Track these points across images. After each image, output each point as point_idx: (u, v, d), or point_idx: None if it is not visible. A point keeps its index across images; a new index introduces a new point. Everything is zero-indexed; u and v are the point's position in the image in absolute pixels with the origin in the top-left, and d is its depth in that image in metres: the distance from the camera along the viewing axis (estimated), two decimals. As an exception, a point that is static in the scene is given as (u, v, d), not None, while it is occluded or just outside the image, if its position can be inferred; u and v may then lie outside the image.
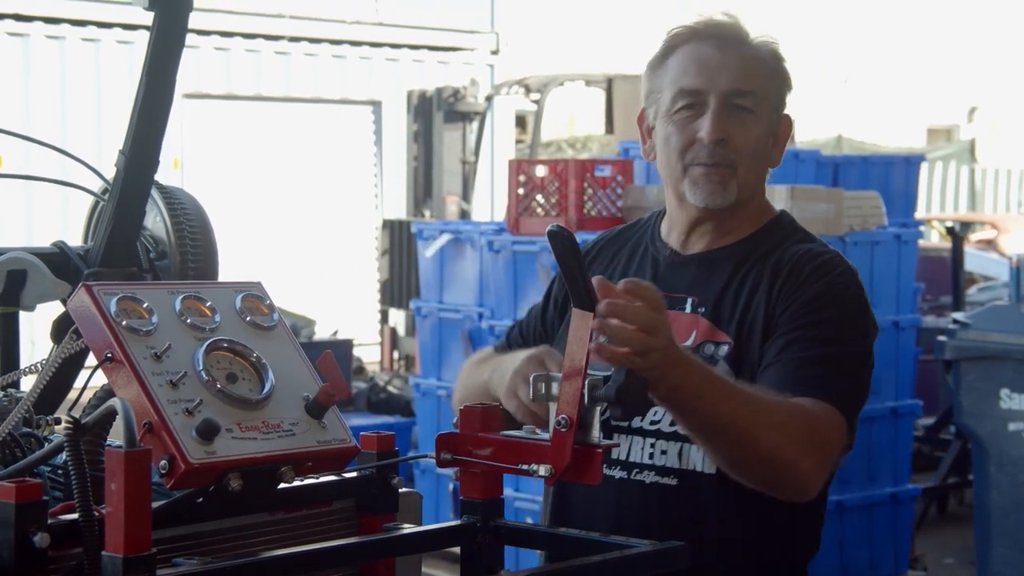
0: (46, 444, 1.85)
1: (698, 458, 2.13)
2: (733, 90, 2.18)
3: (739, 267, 2.21)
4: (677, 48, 2.23)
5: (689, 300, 2.21)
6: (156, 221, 2.85)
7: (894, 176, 6.35)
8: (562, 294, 2.36)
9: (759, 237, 2.25)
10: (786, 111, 2.26)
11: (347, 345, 8.33)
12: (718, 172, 2.19)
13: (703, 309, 2.19)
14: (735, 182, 2.19)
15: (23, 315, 2.69)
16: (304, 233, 13.05)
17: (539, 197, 5.79)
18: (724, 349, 2.15)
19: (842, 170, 6.14)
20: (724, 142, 2.17)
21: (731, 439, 1.95)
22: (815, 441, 2.00)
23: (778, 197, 5.24)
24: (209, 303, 1.73)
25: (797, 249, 2.21)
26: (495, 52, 14.51)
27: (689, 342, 2.16)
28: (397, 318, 10.23)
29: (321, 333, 9.32)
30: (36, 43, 11.57)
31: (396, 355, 10.22)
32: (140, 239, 2.68)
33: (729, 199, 2.20)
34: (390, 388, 8.06)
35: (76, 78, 11.70)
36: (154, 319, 1.66)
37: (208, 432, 1.57)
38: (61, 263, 2.63)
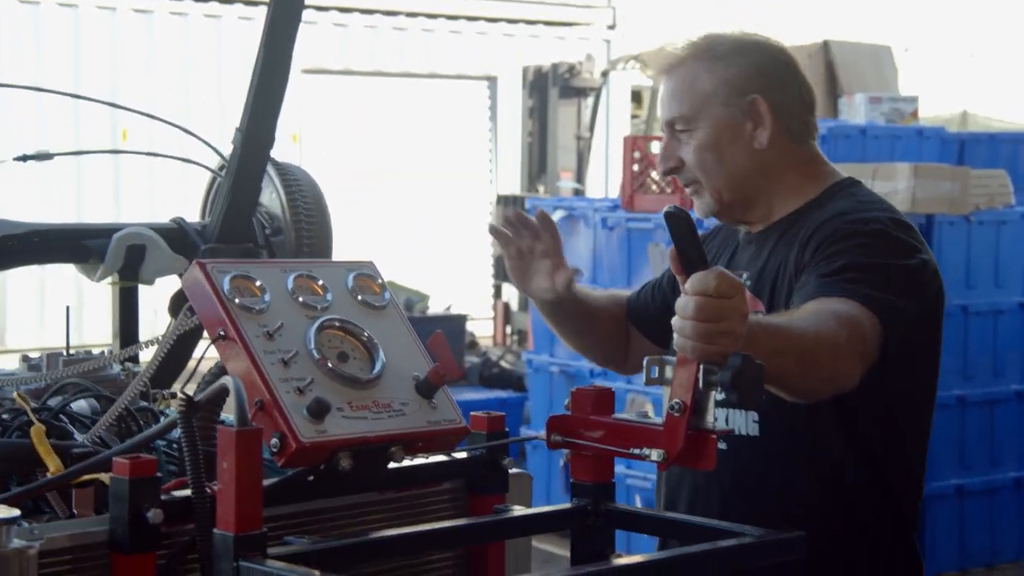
0: (162, 419, 1.87)
1: (742, 421, 2.15)
2: (668, 120, 2.29)
3: (782, 236, 2.24)
4: None
5: (743, 275, 2.25)
6: (272, 198, 2.87)
7: (1023, 154, 6.17)
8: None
9: (810, 207, 2.25)
10: (754, 94, 2.24)
11: (460, 320, 8.36)
12: (691, 189, 2.31)
13: (749, 283, 2.23)
14: (707, 193, 2.27)
15: (144, 288, 2.74)
16: (419, 208, 13.11)
17: (654, 174, 5.73)
18: (759, 315, 2.12)
19: (968, 148, 5.99)
20: (678, 168, 2.29)
21: (793, 386, 1.93)
22: (858, 346, 1.96)
23: (900, 175, 5.12)
24: (321, 282, 1.73)
25: (836, 207, 2.20)
26: (612, 27, 14.41)
27: None
28: (510, 293, 10.23)
29: (435, 308, 9.36)
30: (159, 19, 11.77)
31: (509, 330, 10.23)
32: (256, 215, 2.70)
33: (711, 207, 2.29)
34: (503, 363, 8.08)
35: (198, 54, 11.87)
36: (267, 297, 1.66)
37: (319, 411, 1.57)
38: (179, 238, 2.66)
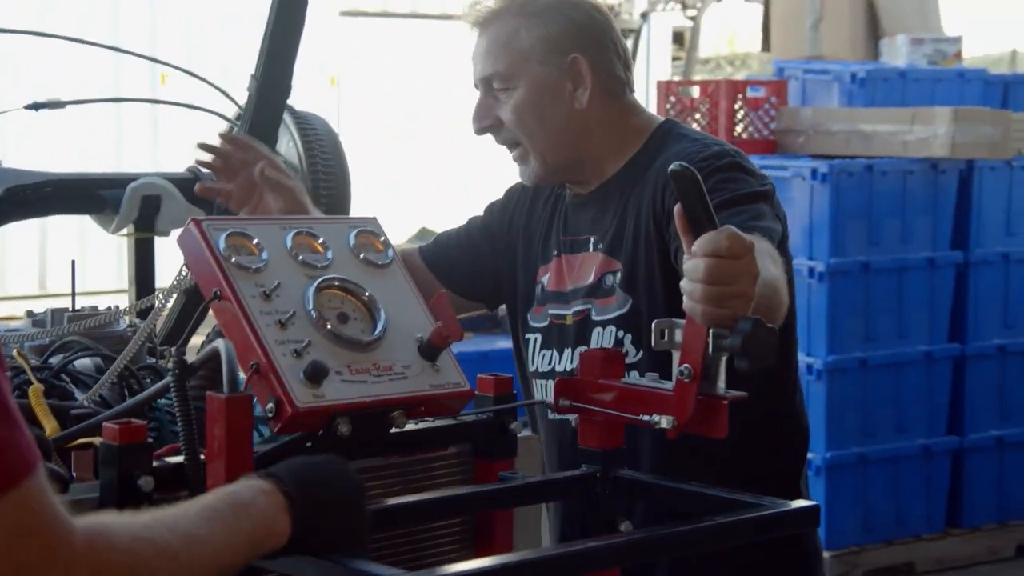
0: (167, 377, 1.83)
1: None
2: (484, 77, 2.24)
3: (625, 192, 2.21)
4: None
5: (591, 239, 2.24)
6: (289, 147, 2.82)
7: (1070, 95, 6.00)
8: (504, 223, 2.40)
9: (641, 157, 2.23)
10: (575, 54, 2.20)
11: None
12: (514, 153, 2.26)
13: (601, 245, 2.22)
14: (532, 155, 2.23)
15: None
16: (457, 152, 13.05)
17: (690, 119, 5.63)
18: (618, 276, 2.17)
19: (1012, 90, 5.83)
20: (496, 127, 2.25)
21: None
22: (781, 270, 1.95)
23: (940, 119, 5.00)
24: (322, 239, 1.67)
25: (677, 150, 2.17)
26: (652, -33, 14.22)
27: (590, 279, 2.21)
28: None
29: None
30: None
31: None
32: (272, 165, 2.64)
33: (538, 173, 2.24)
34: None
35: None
36: (264, 256, 1.61)
37: (316, 375, 1.52)
38: (194, 188, 2.61)
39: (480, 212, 2.51)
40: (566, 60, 2.20)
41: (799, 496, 2.20)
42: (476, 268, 2.42)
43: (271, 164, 2.31)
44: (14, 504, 1.09)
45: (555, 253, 2.29)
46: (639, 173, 2.21)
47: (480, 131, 2.27)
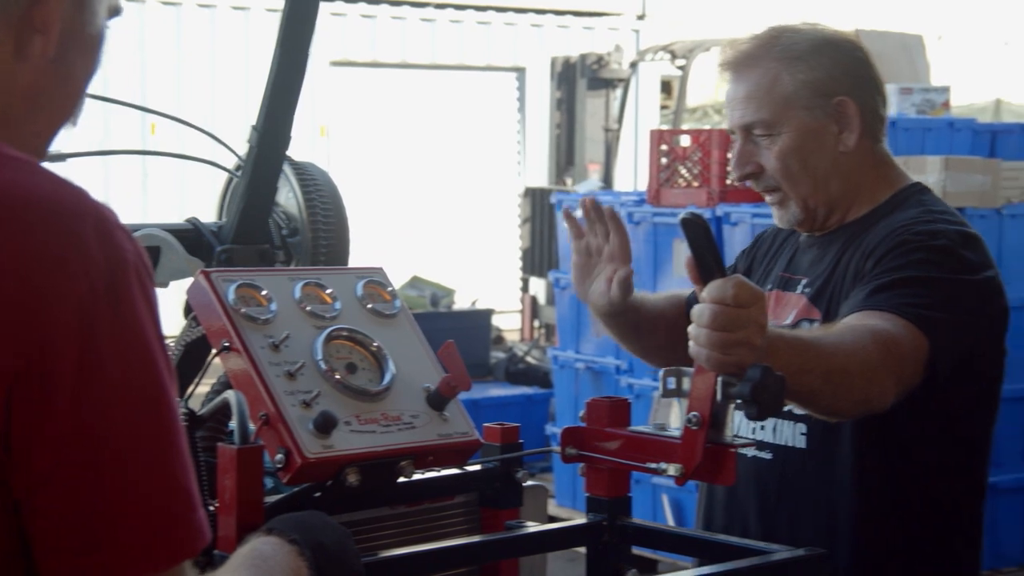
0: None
1: (790, 433, 2.09)
2: (744, 125, 2.17)
3: (848, 243, 2.15)
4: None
5: (803, 281, 2.18)
6: (288, 198, 2.83)
7: (1057, 145, 6.06)
8: (747, 263, 2.36)
9: (878, 212, 2.18)
10: (841, 96, 2.13)
11: (487, 315, 8.31)
12: (771, 197, 2.19)
13: (808, 289, 2.16)
14: (792, 201, 2.17)
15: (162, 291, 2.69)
16: (446, 200, 13.08)
17: (682, 168, 5.67)
18: (814, 326, 2.10)
19: (1000, 139, 5.89)
20: (757, 174, 2.18)
21: (821, 406, 1.87)
22: (893, 366, 1.89)
23: (931, 168, 5.04)
24: (330, 290, 1.68)
25: (905, 216, 2.12)
26: (641, 17, 14.32)
27: (788, 321, 2.14)
28: (538, 287, 10.17)
29: (461, 302, 9.32)
30: (187, 12, 11.76)
31: (536, 323, 10.18)
32: (272, 216, 2.66)
33: (796, 217, 2.18)
34: (528, 359, 8.02)
35: (224, 46, 11.85)
36: (273, 307, 1.62)
37: (326, 425, 1.53)
38: (194, 239, 2.61)
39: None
40: (831, 103, 2.13)
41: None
42: None
43: (630, 272, 2.24)
44: None
45: (770, 288, 2.22)
46: (868, 228, 2.15)
47: (741, 178, 2.20)
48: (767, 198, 2.20)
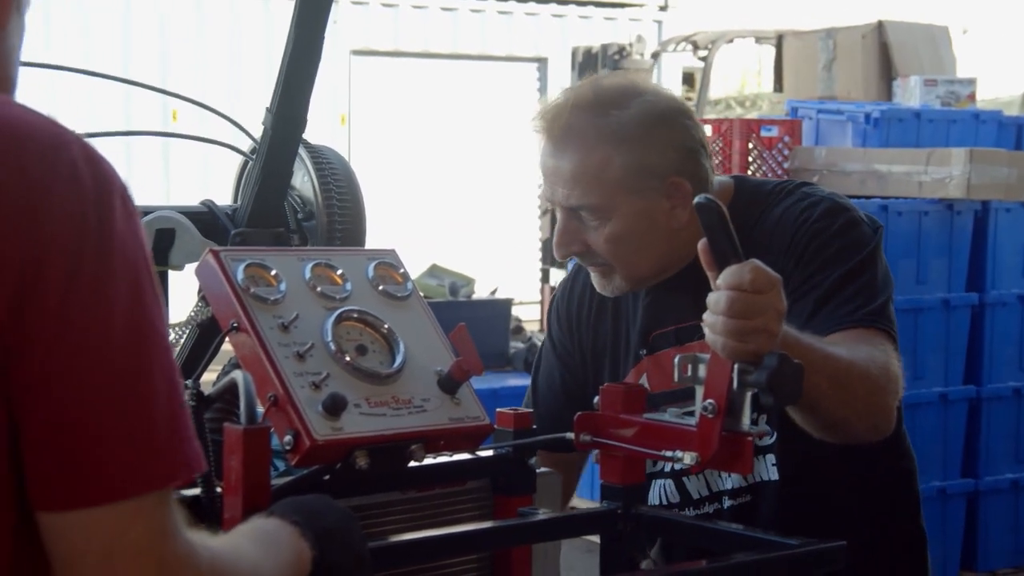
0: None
1: (762, 468, 2.04)
2: (569, 206, 2.04)
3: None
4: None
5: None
6: (304, 181, 2.81)
7: (1083, 138, 5.99)
8: (574, 339, 2.23)
9: (736, 222, 2.08)
10: (673, 175, 2.03)
11: (506, 304, 8.27)
12: (596, 270, 2.09)
13: None
14: (617, 275, 2.07)
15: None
16: (466, 189, 13.06)
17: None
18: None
19: (1027, 131, 5.82)
20: (583, 253, 2.07)
21: (826, 412, 1.81)
22: (894, 385, 1.88)
23: (956, 160, 4.98)
24: (340, 271, 1.66)
25: (784, 214, 2.06)
26: (663, 8, 14.25)
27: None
28: (557, 277, 10.14)
29: (480, 292, 9.29)
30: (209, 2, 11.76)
31: (556, 314, 10.13)
32: (288, 199, 2.63)
33: (622, 287, 2.09)
34: (548, 349, 7.97)
35: (246, 29, 11.84)
36: (282, 287, 1.59)
37: (335, 407, 1.50)
38: (209, 222, 2.59)
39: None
40: (665, 183, 2.03)
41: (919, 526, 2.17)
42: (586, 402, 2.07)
43: None
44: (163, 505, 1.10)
45: (643, 353, 2.13)
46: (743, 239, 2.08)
47: (565, 257, 2.09)
48: (591, 269, 2.10)
